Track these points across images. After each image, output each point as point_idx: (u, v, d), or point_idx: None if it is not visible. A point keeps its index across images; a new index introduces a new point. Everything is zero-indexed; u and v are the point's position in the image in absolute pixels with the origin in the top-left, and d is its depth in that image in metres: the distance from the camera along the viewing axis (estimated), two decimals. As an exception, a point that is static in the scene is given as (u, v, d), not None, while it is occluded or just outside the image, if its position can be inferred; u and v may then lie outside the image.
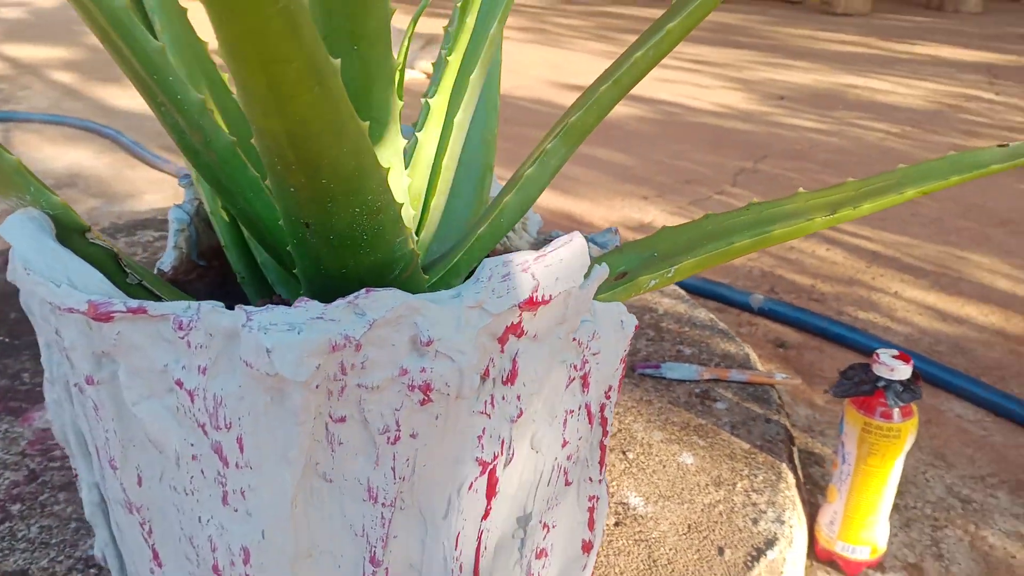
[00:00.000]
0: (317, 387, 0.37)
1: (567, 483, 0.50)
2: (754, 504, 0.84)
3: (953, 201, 2.12)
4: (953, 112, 3.07)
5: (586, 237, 0.62)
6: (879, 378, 0.82)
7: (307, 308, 0.36)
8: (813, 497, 0.99)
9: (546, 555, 0.51)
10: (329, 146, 0.34)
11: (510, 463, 0.44)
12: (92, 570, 0.72)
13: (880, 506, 0.86)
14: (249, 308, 0.36)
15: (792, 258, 1.75)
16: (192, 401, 0.38)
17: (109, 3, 0.42)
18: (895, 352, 0.83)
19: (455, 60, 0.47)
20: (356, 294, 0.36)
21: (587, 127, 0.51)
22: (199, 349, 0.37)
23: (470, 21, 0.46)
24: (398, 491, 0.42)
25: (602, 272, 0.43)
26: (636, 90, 3.20)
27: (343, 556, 0.44)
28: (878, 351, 0.83)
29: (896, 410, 0.81)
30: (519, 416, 0.42)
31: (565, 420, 0.47)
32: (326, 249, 0.40)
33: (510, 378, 0.41)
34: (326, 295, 0.45)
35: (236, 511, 0.41)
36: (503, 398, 0.42)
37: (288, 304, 0.55)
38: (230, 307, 0.38)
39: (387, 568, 0.44)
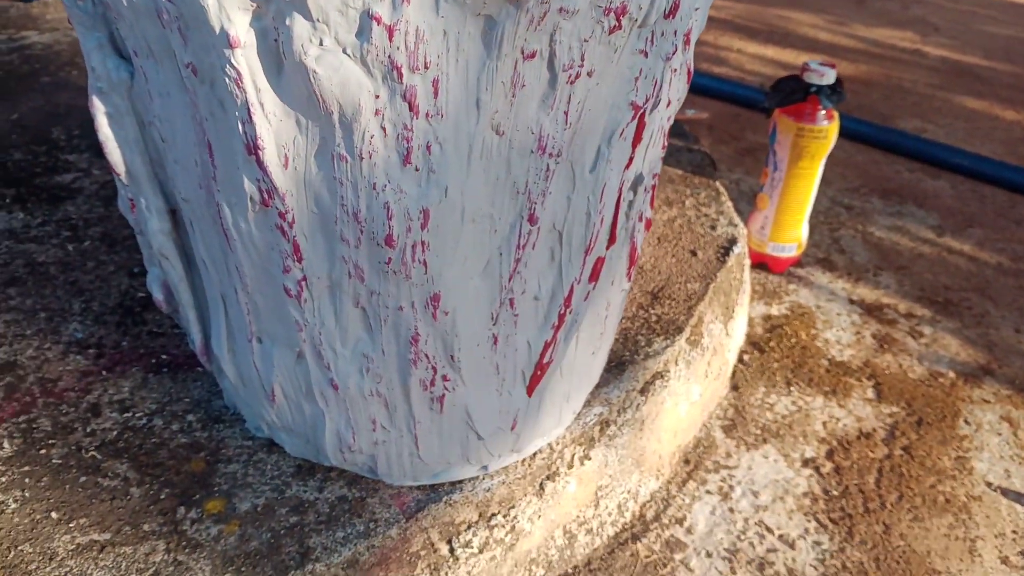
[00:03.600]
0: (527, 11, 0.36)
1: (663, 147, 0.52)
2: (706, 215, 0.91)
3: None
4: None
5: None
6: (811, 85, 0.89)
7: (527, -86, 0.34)
8: (729, 218, 1.09)
9: (641, 220, 0.54)
10: None
11: (655, 108, 0.45)
12: (91, 350, 0.66)
13: (807, 205, 0.96)
14: (461, -81, 0.34)
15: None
16: (391, 39, 0.35)
17: None
18: (822, 60, 0.90)
19: None
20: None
21: None
22: (403, -28, 0.34)
23: None
24: (564, 139, 0.42)
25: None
26: None
27: (500, 219, 0.44)
28: (807, 62, 0.90)
29: (823, 113, 0.90)
30: (673, 54, 0.43)
31: (672, 78, 0.48)
32: None
33: (672, 11, 0.41)
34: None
35: (418, 170, 0.40)
36: (662, 34, 0.42)
37: None
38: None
39: (539, 227, 0.45)
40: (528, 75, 0.39)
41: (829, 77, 0.89)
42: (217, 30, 0.36)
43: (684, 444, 0.75)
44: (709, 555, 0.66)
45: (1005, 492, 0.73)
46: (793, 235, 0.98)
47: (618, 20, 0.38)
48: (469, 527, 0.55)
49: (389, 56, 0.36)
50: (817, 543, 0.67)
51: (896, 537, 0.69)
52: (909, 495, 0.73)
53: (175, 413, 0.61)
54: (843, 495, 0.72)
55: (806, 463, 0.75)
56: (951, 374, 0.87)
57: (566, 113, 0.41)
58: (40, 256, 0.77)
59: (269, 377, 0.50)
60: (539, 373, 0.52)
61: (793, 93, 0.90)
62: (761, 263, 1.00)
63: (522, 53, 0.38)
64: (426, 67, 0.36)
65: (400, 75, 0.36)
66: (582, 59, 0.39)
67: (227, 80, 0.37)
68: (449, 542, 0.54)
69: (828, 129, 0.90)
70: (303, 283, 0.45)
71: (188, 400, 0.62)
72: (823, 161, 0.93)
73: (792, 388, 0.84)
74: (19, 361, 0.65)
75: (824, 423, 0.80)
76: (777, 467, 0.75)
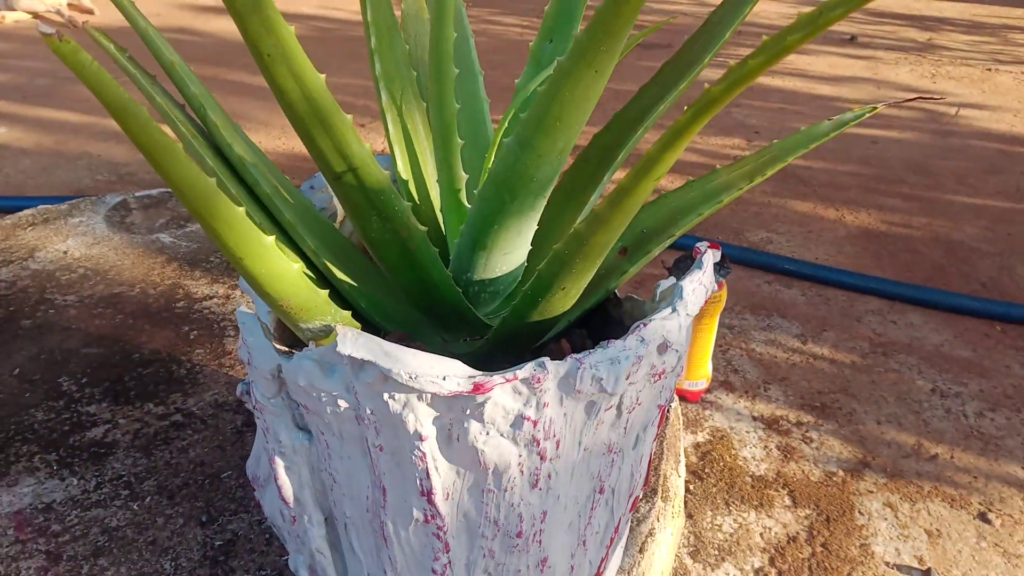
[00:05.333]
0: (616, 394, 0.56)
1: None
2: (640, 375, 1.14)
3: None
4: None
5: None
6: (704, 264, 1.14)
7: (614, 346, 0.54)
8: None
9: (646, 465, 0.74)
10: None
11: (670, 404, 0.66)
12: (200, 607, 0.79)
13: (711, 349, 1.21)
14: (577, 355, 0.53)
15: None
16: (535, 427, 0.54)
17: (361, 155, 0.53)
18: (707, 243, 1.16)
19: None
20: (635, 327, 0.55)
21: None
22: (545, 391, 0.53)
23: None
24: (622, 441, 0.62)
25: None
26: (286, 5, 3.18)
27: (581, 496, 0.63)
28: (697, 245, 1.15)
29: (716, 283, 1.15)
30: (679, 375, 0.64)
31: (665, 362, 0.69)
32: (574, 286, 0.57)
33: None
34: (507, 334, 0.62)
35: (541, 490, 0.58)
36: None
37: (423, 346, 0.70)
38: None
39: (604, 493, 0.65)
40: (606, 417, 0.59)
41: (716, 256, 1.14)
42: (412, 432, 0.54)
43: (668, 577, 0.96)
44: (711, 670, 0.86)
45: (899, 568, 0.99)
46: (702, 372, 1.22)
47: (660, 376, 0.59)
48: None
49: (532, 435, 0.55)
50: (783, 641, 0.90)
51: (834, 622, 0.92)
52: (835, 584, 0.97)
53: (295, 651, 0.75)
54: (790, 595, 0.95)
55: (757, 573, 0.98)
56: (840, 472, 1.13)
57: (625, 428, 0.61)
58: (111, 520, 0.88)
59: (408, 625, 0.67)
60: (596, 578, 0.71)
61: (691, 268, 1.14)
62: (681, 395, 1.24)
63: (604, 409, 0.58)
64: (553, 436, 0.55)
65: (537, 443, 0.55)
66: (638, 400, 0.59)
67: (413, 458, 0.55)
68: None
69: (721, 294, 1.16)
70: (447, 565, 0.62)
71: (303, 637, 0.76)
72: (718, 316, 1.18)
73: (731, 507, 1.07)
74: (147, 631, 0.77)
75: (761, 534, 1.03)
76: (738, 581, 0.97)
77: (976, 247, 1.71)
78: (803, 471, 1.13)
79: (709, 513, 1.06)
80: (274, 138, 2.12)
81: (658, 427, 0.67)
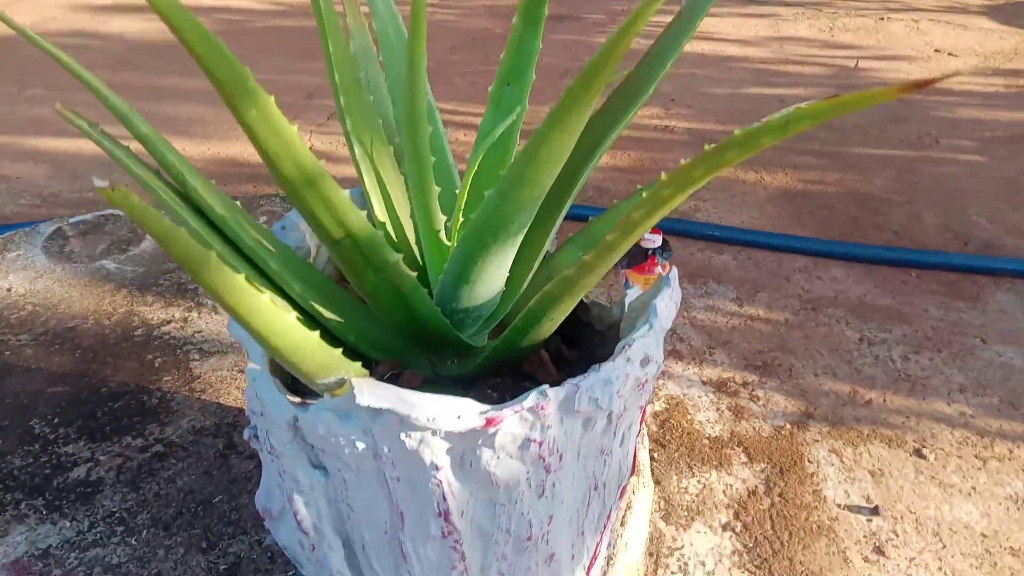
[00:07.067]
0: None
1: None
2: (598, 357, 1.20)
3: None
4: None
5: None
6: (648, 248, 1.21)
7: (605, 368, 0.60)
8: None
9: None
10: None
11: (649, 401, 0.72)
12: (218, 633, 0.83)
13: (661, 325, 1.28)
14: (573, 380, 0.59)
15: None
16: (540, 447, 0.59)
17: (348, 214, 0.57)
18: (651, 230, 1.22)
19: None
20: (622, 347, 0.61)
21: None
22: (548, 415, 0.58)
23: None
24: (613, 443, 0.68)
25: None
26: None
27: (580, 494, 0.69)
28: (657, 258, 1.22)
29: (659, 267, 1.22)
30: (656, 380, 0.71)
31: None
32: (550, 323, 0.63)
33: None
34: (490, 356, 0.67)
35: (547, 497, 0.64)
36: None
37: (414, 373, 0.74)
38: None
39: (598, 489, 0.71)
40: (599, 427, 0.64)
41: (657, 241, 1.21)
42: (428, 463, 0.59)
43: (645, 542, 1.04)
44: (694, 625, 0.95)
45: (849, 508, 1.09)
46: (654, 347, 1.30)
47: (643, 385, 0.65)
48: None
49: (538, 454, 0.60)
50: (754, 590, 0.99)
51: (798, 565, 1.01)
52: (795, 530, 1.06)
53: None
54: (756, 545, 1.04)
55: (724, 528, 1.07)
56: (787, 426, 1.23)
57: (615, 432, 0.67)
58: (112, 558, 0.90)
59: (428, 629, 0.72)
60: (592, 561, 0.78)
61: (636, 256, 1.21)
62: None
63: (598, 420, 0.63)
64: (557, 451, 0.61)
65: (543, 459, 0.61)
66: (625, 407, 0.65)
67: (430, 485, 0.60)
68: None
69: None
70: (464, 572, 0.67)
71: (322, 649, 0.81)
72: (665, 293, 1.26)
73: (693, 469, 1.15)
74: (171, 663, 0.80)
75: (724, 491, 1.12)
76: (708, 538, 1.06)
77: (886, 198, 1.83)
78: (754, 428, 1.22)
79: (675, 478, 1.14)
80: (197, 144, 2.10)
81: (640, 423, 0.73)
